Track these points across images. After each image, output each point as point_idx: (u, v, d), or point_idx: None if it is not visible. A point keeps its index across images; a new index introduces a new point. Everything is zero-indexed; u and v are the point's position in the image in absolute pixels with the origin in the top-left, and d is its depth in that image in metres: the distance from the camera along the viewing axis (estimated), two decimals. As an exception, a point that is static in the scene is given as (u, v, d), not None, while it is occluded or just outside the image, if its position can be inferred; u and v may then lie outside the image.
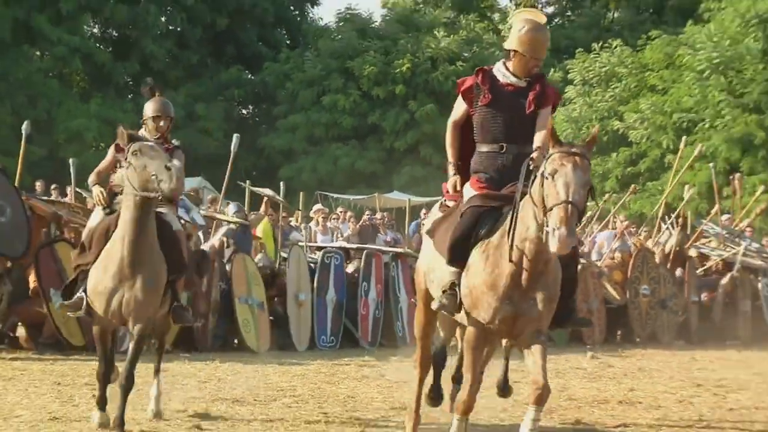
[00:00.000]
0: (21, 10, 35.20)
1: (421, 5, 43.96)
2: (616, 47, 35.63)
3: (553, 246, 6.53)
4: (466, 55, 37.58)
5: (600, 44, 35.83)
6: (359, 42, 37.79)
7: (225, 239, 15.74)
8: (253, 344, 15.14)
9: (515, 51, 7.54)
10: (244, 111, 41.62)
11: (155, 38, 38.09)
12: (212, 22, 39.21)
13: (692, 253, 20.03)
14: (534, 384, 6.91)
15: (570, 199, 6.55)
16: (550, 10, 46.27)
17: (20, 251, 13.93)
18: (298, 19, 43.26)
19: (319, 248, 17.19)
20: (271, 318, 15.79)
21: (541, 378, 6.89)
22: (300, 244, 17.02)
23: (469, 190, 7.55)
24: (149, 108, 9.49)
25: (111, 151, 9.18)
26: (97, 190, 9.08)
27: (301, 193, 21.21)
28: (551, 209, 6.58)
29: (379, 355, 15.20)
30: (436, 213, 8.04)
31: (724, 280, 19.58)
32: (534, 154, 7.10)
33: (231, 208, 16.22)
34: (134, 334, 8.38)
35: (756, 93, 31.52)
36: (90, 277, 8.51)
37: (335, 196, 32.00)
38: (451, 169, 7.79)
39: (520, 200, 6.98)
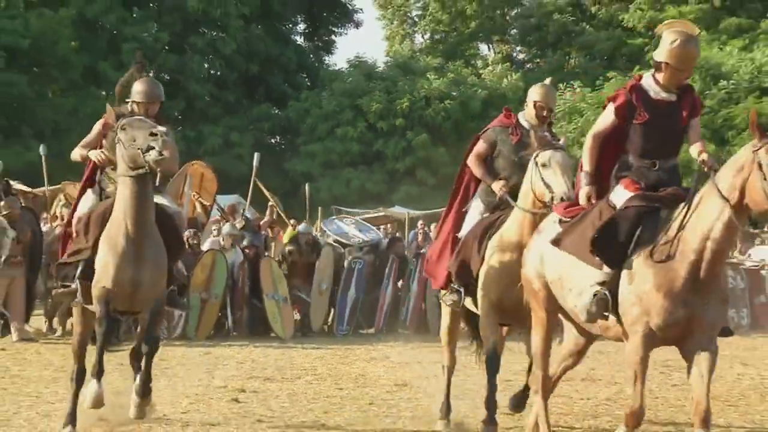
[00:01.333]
0: (90, 58, 35.42)
1: (417, 53, 44.05)
2: (577, 88, 35.54)
3: None
4: (454, 94, 37.53)
5: (564, 85, 35.78)
6: (366, 83, 37.76)
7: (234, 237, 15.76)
8: (279, 332, 15.11)
9: (666, 63, 6.29)
10: (272, 140, 41.54)
11: (198, 81, 38.13)
12: (246, 68, 39.24)
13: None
14: (697, 405, 5.84)
15: None
16: (521, 56, 46.39)
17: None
18: (316, 65, 43.29)
19: (339, 242, 17.18)
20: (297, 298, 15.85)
21: (704, 399, 5.78)
22: (329, 241, 17.02)
23: (623, 192, 6.30)
24: (139, 91, 7.56)
25: (97, 126, 7.65)
26: (96, 152, 7.43)
27: (320, 209, 21.24)
28: None
29: (384, 340, 15.17)
30: (554, 227, 6.71)
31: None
32: (703, 157, 6.13)
33: (227, 227, 15.95)
34: (148, 312, 7.03)
35: (693, 126, 31.42)
36: (97, 261, 6.95)
37: (348, 210, 31.97)
38: (585, 178, 6.59)
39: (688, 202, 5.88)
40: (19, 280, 13.72)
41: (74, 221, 7.39)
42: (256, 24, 40.08)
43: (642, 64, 35.81)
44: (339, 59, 79.63)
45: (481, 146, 8.01)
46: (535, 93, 7.95)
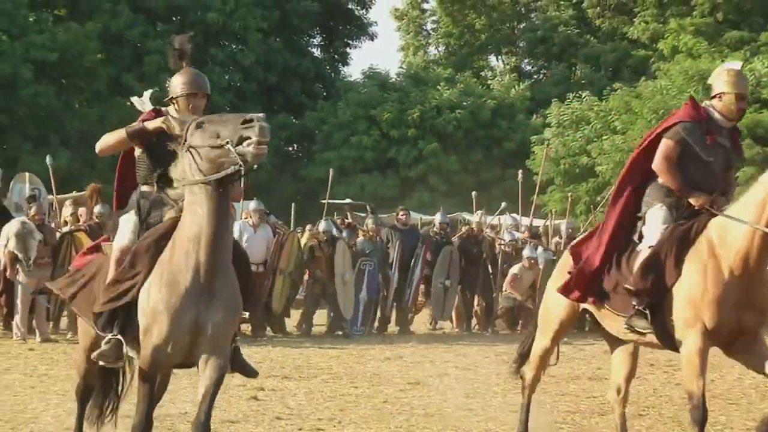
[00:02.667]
0: (114, 70, 35.61)
1: (430, 64, 44.08)
2: (584, 97, 35.43)
3: None
4: (464, 104, 37.54)
5: (572, 95, 35.68)
6: (380, 94, 37.78)
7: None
8: (275, 305, 15.02)
9: None
10: (289, 148, 41.63)
11: (219, 91, 38.07)
12: (265, 79, 39.34)
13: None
14: None
15: None
16: (529, 67, 46.42)
17: None
18: (332, 75, 43.38)
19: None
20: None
21: None
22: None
23: None
24: (180, 83, 5.80)
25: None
26: (158, 120, 5.55)
27: (335, 212, 21.25)
28: None
29: (398, 340, 15.14)
30: None
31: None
32: None
33: (252, 204, 15.78)
34: (212, 369, 5.29)
35: (694, 137, 31.29)
36: (143, 299, 5.23)
37: (362, 215, 31.92)
38: None
39: None
40: (44, 281, 13.72)
41: (115, 254, 5.64)
42: (275, 37, 40.14)
43: (647, 75, 35.73)
44: (354, 70, 79.98)
45: (669, 147, 6.39)
46: (730, 83, 6.49)
